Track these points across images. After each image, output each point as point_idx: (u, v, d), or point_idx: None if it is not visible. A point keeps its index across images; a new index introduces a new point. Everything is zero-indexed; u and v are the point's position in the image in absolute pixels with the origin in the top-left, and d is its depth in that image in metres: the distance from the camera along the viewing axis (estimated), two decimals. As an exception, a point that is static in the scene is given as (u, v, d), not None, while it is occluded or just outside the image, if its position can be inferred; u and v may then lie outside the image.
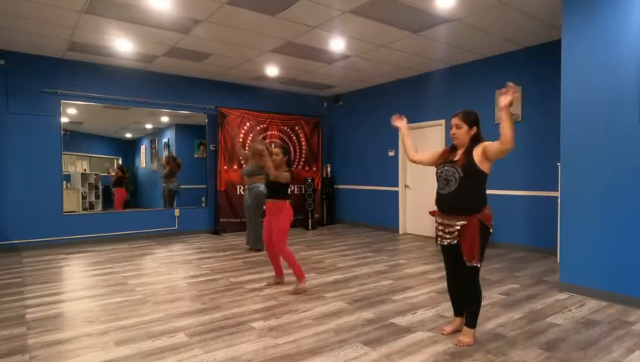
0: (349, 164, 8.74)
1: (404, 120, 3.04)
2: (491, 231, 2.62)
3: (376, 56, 6.05)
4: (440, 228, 2.71)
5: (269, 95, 8.28)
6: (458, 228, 2.59)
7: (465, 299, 2.71)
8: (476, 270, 2.61)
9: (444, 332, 2.88)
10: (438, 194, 2.71)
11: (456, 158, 2.64)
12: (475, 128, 2.64)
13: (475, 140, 2.63)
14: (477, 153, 2.55)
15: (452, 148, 2.74)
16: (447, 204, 2.64)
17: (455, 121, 2.66)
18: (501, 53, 5.92)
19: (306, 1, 4.21)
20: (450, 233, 2.63)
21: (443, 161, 2.71)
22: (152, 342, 2.74)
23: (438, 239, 2.74)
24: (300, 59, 6.24)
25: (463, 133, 2.63)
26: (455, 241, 2.62)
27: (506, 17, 4.62)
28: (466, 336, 2.67)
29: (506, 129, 2.39)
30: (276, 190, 3.94)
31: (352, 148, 8.62)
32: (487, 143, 2.56)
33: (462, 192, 2.55)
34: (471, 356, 2.52)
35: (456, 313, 2.91)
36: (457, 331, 2.89)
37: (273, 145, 4.27)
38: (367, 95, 8.21)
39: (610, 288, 3.55)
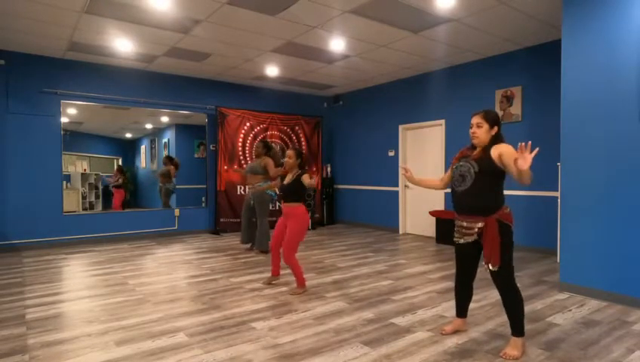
0: (349, 164, 8.74)
1: (407, 171, 2.94)
2: (512, 229, 2.50)
3: (376, 56, 6.05)
4: (457, 228, 2.64)
5: (269, 95, 8.28)
6: (476, 230, 2.51)
7: (505, 306, 2.54)
8: (507, 273, 2.47)
9: (443, 332, 2.87)
10: (453, 192, 2.62)
11: (474, 154, 2.57)
12: (495, 128, 2.54)
13: (496, 140, 2.53)
14: (495, 153, 2.46)
15: (470, 149, 2.66)
16: (462, 204, 2.56)
17: (476, 119, 2.57)
18: (501, 53, 5.92)
19: (306, 1, 4.21)
20: (468, 234, 2.56)
21: (460, 158, 2.64)
22: (152, 342, 2.74)
23: (455, 238, 2.67)
24: (300, 59, 6.24)
25: (483, 131, 2.53)
26: (472, 239, 2.55)
27: (506, 17, 4.61)
28: (514, 349, 2.48)
29: (524, 180, 2.29)
30: (290, 193, 3.88)
31: (352, 148, 8.62)
32: (504, 151, 2.42)
33: (477, 190, 2.47)
34: (471, 356, 2.52)
35: (459, 314, 2.89)
36: (457, 331, 2.90)
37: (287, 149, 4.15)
38: (367, 95, 8.21)
39: (610, 288, 3.54)
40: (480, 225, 2.49)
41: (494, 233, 2.44)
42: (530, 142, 2.26)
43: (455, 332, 2.88)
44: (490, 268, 2.47)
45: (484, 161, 2.47)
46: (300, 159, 3.98)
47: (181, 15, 4.55)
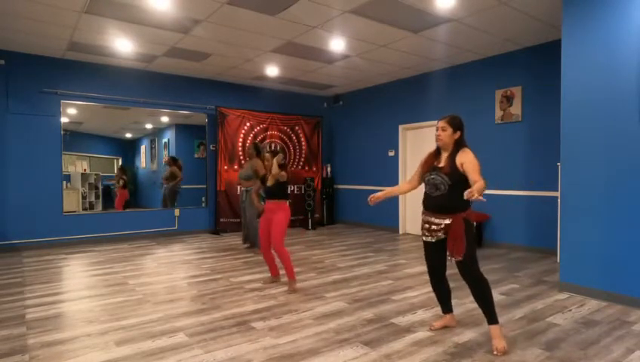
0: (349, 164, 8.73)
1: (375, 197, 3.08)
2: (474, 227, 2.72)
3: (376, 56, 6.05)
4: (426, 225, 2.79)
5: (269, 95, 8.28)
6: (443, 226, 2.67)
7: (475, 297, 2.67)
8: (472, 264, 2.62)
9: (433, 327, 2.94)
10: (426, 195, 2.80)
11: (442, 165, 2.73)
12: (458, 133, 2.73)
13: (458, 144, 2.72)
14: (459, 162, 2.64)
15: (437, 153, 2.84)
16: (436, 206, 2.72)
17: (440, 123, 2.76)
18: (501, 53, 5.91)
19: (306, 1, 4.21)
20: (435, 231, 2.71)
21: (429, 168, 2.80)
22: (152, 342, 2.74)
23: (423, 235, 2.82)
24: (300, 59, 6.24)
25: (447, 135, 2.73)
26: (442, 237, 2.69)
27: (506, 17, 4.61)
28: (500, 340, 2.58)
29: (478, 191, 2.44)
30: (275, 192, 4.01)
31: (352, 148, 8.61)
32: (467, 161, 2.60)
33: (451, 196, 2.65)
34: (471, 356, 2.52)
35: (443, 309, 2.99)
36: (446, 327, 2.96)
37: (265, 150, 4.31)
38: (367, 95, 8.21)
39: (610, 288, 3.54)
40: (447, 221, 2.65)
41: (460, 228, 2.61)
42: (483, 200, 2.37)
43: (444, 327, 2.95)
44: (455, 258, 2.62)
45: (454, 174, 2.65)
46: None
47: (181, 15, 4.55)
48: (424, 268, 4.82)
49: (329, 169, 8.99)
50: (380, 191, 3.17)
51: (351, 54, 5.98)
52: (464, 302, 3.52)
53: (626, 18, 3.43)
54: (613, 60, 3.51)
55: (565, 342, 2.73)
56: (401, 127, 7.50)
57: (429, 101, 6.99)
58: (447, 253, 2.69)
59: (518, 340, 2.75)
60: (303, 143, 8.51)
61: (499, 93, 5.94)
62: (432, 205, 2.75)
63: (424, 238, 2.82)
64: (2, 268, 4.83)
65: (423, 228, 2.82)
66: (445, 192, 2.66)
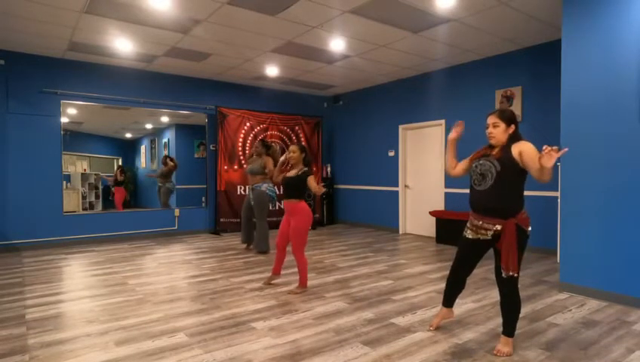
0: (349, 164, 8.74)
1: (460, 128, 2.76)
2: (528, 234, 2.49)
3: (376, 56, 6.05)
4: (471, 227, 2.58)
5: (269, 95, 8.28)
6: (492, 231, 2.46)
7: (504, 308, 2.54)
8: (516, 279, 2.46)
9: (432, 327, 2.92)
10: (472, 191, 2.54)
11: (494, 152, 2.50)
12: (512, 126, 2.48)
13: (514, 139, 2.46)
14: (515, 150, 2.39)
15: (488, 148, 2.59)
16: (481, 204, 2.48)
17: (491, 119, 2.51)
18: (501, 53, 5.91)
19: (306, 1, 4.21)
20: (483, 234, 2.51)
21: (479, 156, 2.56)
22: (152, 342, 2.74)
23: (465, 232, 2.62)
24: (300, 59, 6.24)
25: (500, 131, 2.47)
26: (485, 238, 2.50)
27: (506, 17, 4.62)
28: (507, 346, 2.52)
29: (545, 176, 2.26)
30: (293, 188, 3.84)
31: (352, 148, 8.62)
32: (525, 149, 2.36)
33: (498, 191, 2.40)
34: (471, 356, 2.52)
35: (446, 302, 2.89)
36: (445, 320, 2.95)
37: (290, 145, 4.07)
38: (367, 95, 8.21)
39: (610, 288, 3.54)
40: (498, 227, 2.43)
41: (512, 239, 2.38)
42: (565, 149, 2.20)
43: (442, 321, 2.93)
44: (510, 273, 2.42)
45: (505, 160, 2.40)
46: (305, 154, 3.95)
47: (181, 15, 4.55)
48: (424, 267, 4.83)
49: (329, 169, 8.99)
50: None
51: (351, 54, 5.98)
52: (465, 302, 3.52)
53: (626, 18, 3.43)
54: (613, 60, 3.51)
55: (565, 342, 2.73)
56: (401, 127, 7.50)
57: (429, 101, 6.99)
58: (502, 266, 2.44)
59: (518, 340, 2.74)
60: (303, 143, 8.50)
61: (499, 93, 5.94)
62: (476, 203, 2.50)
63: (464, 234, 2.61)
64: (2, 268, 4.83)
65: (466, 228, 2.60)
66: (491, 184, 2.39)
